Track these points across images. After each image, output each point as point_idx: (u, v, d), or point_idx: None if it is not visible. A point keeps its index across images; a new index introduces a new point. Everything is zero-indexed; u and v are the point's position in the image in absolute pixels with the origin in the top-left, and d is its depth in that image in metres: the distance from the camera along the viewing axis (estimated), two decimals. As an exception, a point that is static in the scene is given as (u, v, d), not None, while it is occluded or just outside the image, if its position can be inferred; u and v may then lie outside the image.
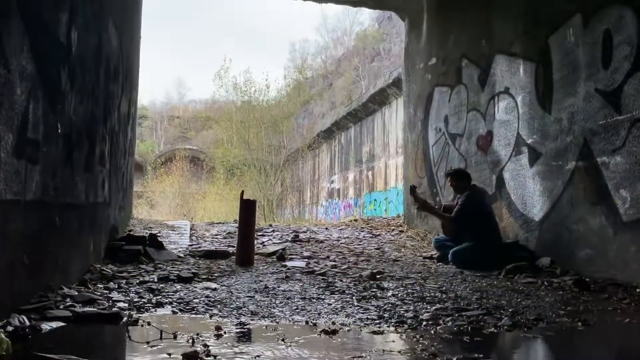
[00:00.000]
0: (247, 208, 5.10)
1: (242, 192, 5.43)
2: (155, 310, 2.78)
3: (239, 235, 5.15)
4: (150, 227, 7.56)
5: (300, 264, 5.07)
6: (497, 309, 2.99)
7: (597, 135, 4.61)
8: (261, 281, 3.95)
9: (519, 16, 5.79)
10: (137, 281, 3.82)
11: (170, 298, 3.15)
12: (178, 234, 7.41)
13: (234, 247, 6.52)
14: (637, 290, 3.96)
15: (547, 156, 5.28)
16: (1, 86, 2.22)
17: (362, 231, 8.37)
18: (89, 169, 4.13)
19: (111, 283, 3.69)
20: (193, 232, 8.03)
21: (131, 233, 5.62)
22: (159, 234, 7.24)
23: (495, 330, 2.46)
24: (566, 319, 2.80)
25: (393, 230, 8.34)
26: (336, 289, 3.61)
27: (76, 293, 3.10)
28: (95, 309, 2.71)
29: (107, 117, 4.90)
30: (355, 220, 10.16)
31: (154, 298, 3.12)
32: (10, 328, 2.20)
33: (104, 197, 4.87)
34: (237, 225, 9.34)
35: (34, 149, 2.70)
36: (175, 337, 2.15)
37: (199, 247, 6.48)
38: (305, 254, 6.01)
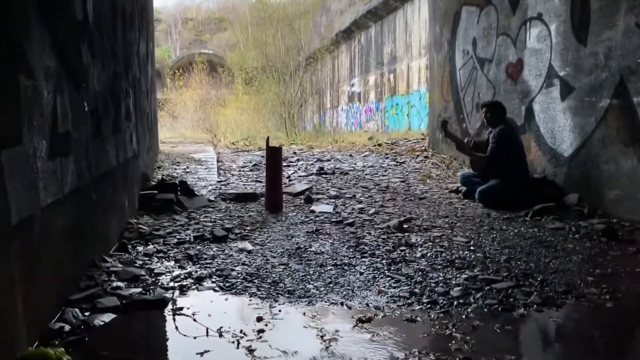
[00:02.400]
0: (274, 156, 5.12)
1: (268, 139, 5.41)
2: (197, 289, 2.92)
3: (267, 181, 5.22)
4: (178, 163, 7.70)
5: (328, 208, 5.17)
6: (525, 276, 3.07)
7: (635, 74, 4.40)
8: (292, 237, 4.07)
9: None
10: (174, 241, 3.97)
11: (209, 268, 3.28)
12: (205, 168, 7.54)
13: (261, 182, 6.66)
14: (665, 236, 4.00)
15: (580, 91, 5.09)
16: (31, 100, 2.20)
17: (387, 158, 8.39)
18: (117, 129, 4.16)
19: (150, 245, 3.85)
20: (220, 164, 8.15)
21: (163, 179, 5.72)
22: (187, 170, 7.41)
23: (525, 312, 2.55)
24: (594, 289, 2.86)
25: (418, 156, 8.33)
26: (366, 249, 3.70)
27: (120, 267, 3.25)
28: (140, 291, 2.86)
29: (129, 69, 4.84)
30: (380, 144, 10.13)
31: (194, 269, 3.26)
32: (66, 327, 2.36)
33: (133, 150, 4.93)
34: (261, 154, 9.45)
35: (66, 141, 2.72)
36: (220, 335, 2.29)
37: (228, 185, 6.63)
38: (332, 192, 6.10)
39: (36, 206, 2.23)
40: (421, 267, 3.31)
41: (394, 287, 2.93)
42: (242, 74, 27.48)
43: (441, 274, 3.15)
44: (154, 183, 6.09)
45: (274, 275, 3.13)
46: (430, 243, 3.88)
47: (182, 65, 44.94)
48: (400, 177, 7.09)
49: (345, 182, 6.80)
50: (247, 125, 21.02)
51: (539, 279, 3.03)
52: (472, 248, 3.74)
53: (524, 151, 5.56)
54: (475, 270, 3.20)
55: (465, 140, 6.04)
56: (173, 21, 70.62)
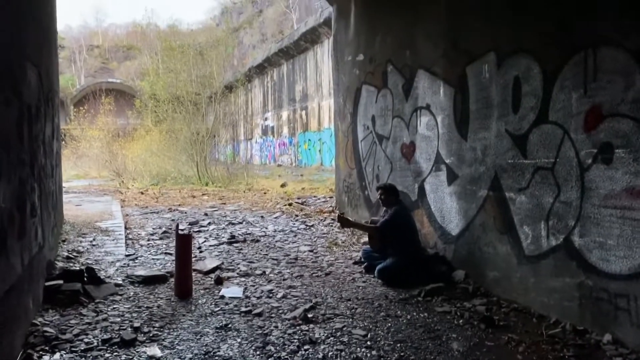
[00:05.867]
0: (183, 244, 5.27)
1: (177, 225, 5.56)
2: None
3: (177, 267, 5.34)
4: (84, 234, 7.56)
5: (238, 292, 5.38)
6: (412, 381, 3.47)
7: (506, 172, 5.06)
8: (201, 336, 4.24)
9: (440, 36, 6.01)
10: (82, 347, 4.01)
11: (118, 387, 3.39)
12: (113, 239, 7.48)
13: (170, 254, 6.74)
14: (534, 319, 4.61)
15: (463, 179, 5.73)
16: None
17: (297, 221, 8.74)
18: (23, 234, 4.15)
19: (57, 354, 3.86)
20: (128, 231, 8.10)
21: (68, 268, 5.66)
22: (93, 243, 7.31)
23: None
24: (468, 393, 3.31)
25: (325, 219, 8.76)
26: (272, 350, 3.96)
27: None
28: None
29: (34, 164, 4.83)
30: (290, 204, 10.47)
31: (103, 389, 3.35)
32: None
33: (38, 244, 4.89)
34: (171, 216, 9.47)
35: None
36: None
37: (136, 259, 6.63)
38: (243, 267, 6.32)
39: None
40: (322, 372, 3.62)
41: (296, 403, 3.20)
42: (152, 105, 26.80)
43: (339, 382, 3.47)
44: (59, 265, 6.00)
45: (182, 395, 3.30)
46: (332, 338, 4.21)
47: (87, 94, 43.27)
48: (309, 245, 7.45)
49: (256, 252, 7.04)
50: (157, 166, 20.66)
51: (424, 383, 3.44)
52: (369, 343, 4.11)
53: (417, 230, 6.10)
54: (369, 375, 3.55)
55: (364, 222, 6.55)
56: (77, 47, 67.63)
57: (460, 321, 4.61)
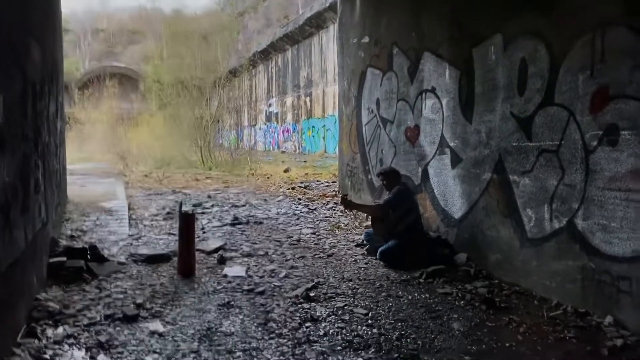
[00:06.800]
0: (186, 223, 5.28)
1: (181, 204, 5.57)
2: (109, 388, 3.06)
3: (180, 246, 5.36)
4: (88, 214, 7.60)
5: (240, 271, 5.40)
6: (413, 358, 3.48)
7: (510, 155, 5.04)
8: (204, 312, 4.27)
9: (446, 18, 5.96)
10: (85, 321, 4.04)
11: (120, 359, 3.42)
12: (116, 219, 7.50)
13: (174, 234, 6.75)
14: (535, 302, 4.62)
15: (467, 162, 5.71)
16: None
17: (299, 204, 8.75)
18: (26, 209, 4.17)
19: (59, 328, 3.89)
20: (132, 212, 8.12)
21: (71, 246, 5.68)
22: (97, 222, 7.34)
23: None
24: (468, 370, 3.34)
25: (328, 202, 8.76)
26: (274, 326, 3.99)
27: (29, 363, 3.31)
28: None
29: (38, 140, 4.83)
30: (293, 188, 10.47)
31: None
32: None
33: (42, 220, 4.91)
34: (175, 197, 9.49)
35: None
36: None
37: (140, 239, 6.66)
38: (245, 247, 6.35)
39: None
40: (323, 348, 3.64)
41: (297, 378, 3.23)
42: (156, 89, 26.74)
43: (339, 357, 3.49)
44: (62, 243, 6.02)
45: (185, 370, 3.33)
46: (333, 316, 4.23)
47: (91, 78, 43.23)
48: (311, 227, 7.46)
49: (259, 234, 7.06)
50: (161, 150, 20.68)
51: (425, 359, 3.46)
52: (370, 322, 4.13)
53: (419, 212, 6.10)
54: (370, 352, 3.58)
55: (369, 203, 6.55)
56: (82, 31, 67.47)
57: (462, 302, 4.62)
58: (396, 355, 3.53)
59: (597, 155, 4.07)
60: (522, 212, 4.91)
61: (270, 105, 32.81)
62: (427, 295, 4.80)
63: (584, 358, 3.57)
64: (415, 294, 4.82)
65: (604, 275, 4.04)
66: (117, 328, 3.94)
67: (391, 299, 4.68)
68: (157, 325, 4.00)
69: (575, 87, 4.25)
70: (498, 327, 4.08)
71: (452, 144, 5.93)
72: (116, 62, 51.46)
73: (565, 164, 4.37)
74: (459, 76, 5.76)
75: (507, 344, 3.76)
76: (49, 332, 3.83)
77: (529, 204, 4.82)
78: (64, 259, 5.21)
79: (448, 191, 6.05)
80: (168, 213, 8.05)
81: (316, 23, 23.73)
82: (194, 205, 8.68)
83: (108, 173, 13.92)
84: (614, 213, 3.93)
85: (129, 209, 8.21)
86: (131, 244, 6.41)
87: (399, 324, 4.10)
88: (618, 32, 3.87)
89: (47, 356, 3.46)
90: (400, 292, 4.87)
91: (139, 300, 4.49)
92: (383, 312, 4.34)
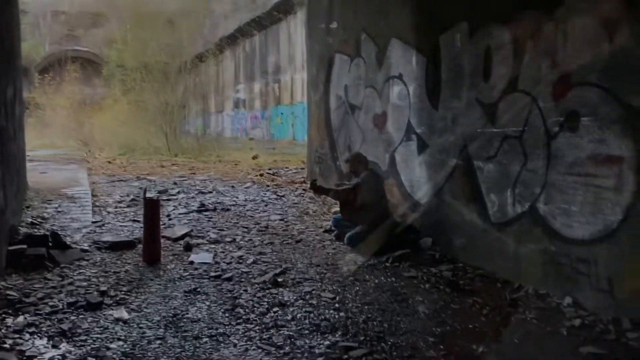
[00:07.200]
0: (151, 209, 5.20)
1: (145, 190, 5.47)
2: (72, 376, 3.00)
3: (145, 232, 5.28)
4: (49, 200, 7.39)
5: (207, 258, 5.35)
6: (379, 340, 3.54)
7: (475, 141, 5.12)
8: (170, 299, 4.23)
9: (414, 5, 5.98)
10: (47, 309, 3.95)
11: (84, 347, 3.36)
12: (79, 206, 7.33)
13: (138, 221, 6.63)
14: (498, 284, 4.73)
15: (433, 148, 5.77)
16: None
17: (268, 191, 8.71)
18: (-18, 195, 4.03)
19: (20, 317, 3.80)
20: (95, 199, 7.95)
21: (32, 233, 5.53)
22: (59, 209, 7.16)
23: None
24: (433, 351, 3.40)
25: (297, 189, 8.75)
26: (241, 312, 3.98)
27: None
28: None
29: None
30: (262, 175, 10.41)
31: (68, 349, 3.32)
32: None
33: (0, 208, 4.75)
34: (139, 184, 9.33)
35: None
36: None
37: (103, 227, 6.53)
38: (212, 234, 6.29)
39: None
40: (291, 332, 3.65)
41: (265, 360, 3.24)
42: (119, 74, 26.03)
43: (307, 341, 3.51)
44: (23, 231, 5.86)
45: (149, 354, 3.29)
46: (301, 301, 4.24)
47: (52, 62, 41.81)
48: (280, 214, 7.44)
49: (227, 221, 7.00)
50: (125, 136, 20.22)
51: (390, 342, 3.51)
52: (337, 306, 4.16)
53: (387, 197, 6.15)
54: (337, 335, 3.61)
55: (335, 186, 6.55)
56: (42, 13, 65.16)
57: (427, 285, 4.69)
58: (362, 337, 3.57)
59: (558, 141, 4.17)
60: (486, 197, 5.01)
61: (238, 91, 32.38)
62: (393, 279, 4.86)
63: (544, 338, 3.68)
64: (382, 278, 4.87)
65: (563, 258, 4.16)
66: (81, 316, 3.87)
67: (358, 283, 4.72)
68: (121, 313, 3.95)
69: (539, 74, 4.33)
70: (462, 309, 4.17)
71: (418, 131, 5.99)
72: (78, 45, 49.97)
73: (528, 149, 4.47)
74: (425, 63, 5.81)
75: (470, 326, 3.85)
76: (9, 321, 3.74)
77: (493, 189, 4.92)
78: (25, 246, 5.06)
79: (414, 177, 6.12)
80: (132, 200, 7.90)
81: (284, 8, 23.48)
82: (159, 192, 8.55)
83: (70, 159, 13.52)
84: (574, 197, 4.04)
85: (92, 195, 8.02)
86: (94, 231, 6.28)
87: (366, 307, 4.15)
88: (580, 21, 3.96)
89: (6, 345, 3.37)
90: (367, 277, 4.91)
91: (103, 288, 4.41)
92: (350, 296, 4.38)
